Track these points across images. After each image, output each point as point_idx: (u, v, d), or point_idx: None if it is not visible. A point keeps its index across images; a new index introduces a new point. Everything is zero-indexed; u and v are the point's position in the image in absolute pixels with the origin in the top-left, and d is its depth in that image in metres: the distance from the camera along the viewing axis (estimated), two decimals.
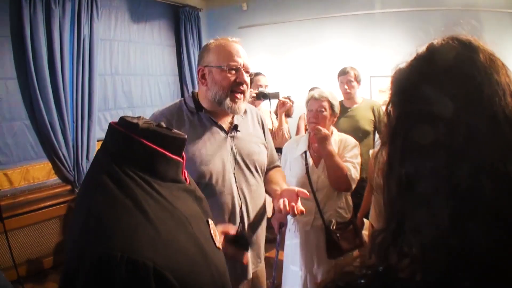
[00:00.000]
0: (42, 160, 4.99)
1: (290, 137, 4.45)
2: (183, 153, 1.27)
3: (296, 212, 2.01)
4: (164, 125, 1.23)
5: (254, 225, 2.32)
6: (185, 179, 1.30)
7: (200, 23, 7.40)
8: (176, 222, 1.11)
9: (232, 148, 2.26)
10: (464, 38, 0.88)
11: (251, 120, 2.49)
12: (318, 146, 3.07)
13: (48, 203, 4.81)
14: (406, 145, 0.77)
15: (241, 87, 2.21)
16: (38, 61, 4.65)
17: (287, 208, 2.02)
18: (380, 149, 0.89)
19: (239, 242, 1.87)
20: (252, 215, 2.30)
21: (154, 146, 1.14)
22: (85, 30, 5.18)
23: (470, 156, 0.68)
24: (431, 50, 0.88)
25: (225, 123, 2.31)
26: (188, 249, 1.10)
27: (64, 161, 5.01)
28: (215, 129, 2.26)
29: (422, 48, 0.91)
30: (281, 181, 2.46)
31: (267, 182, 2.49)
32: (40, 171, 4.99)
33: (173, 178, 1.21)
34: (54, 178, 5.11)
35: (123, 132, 1.13)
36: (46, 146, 4.94)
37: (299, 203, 2.06)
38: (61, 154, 4.97)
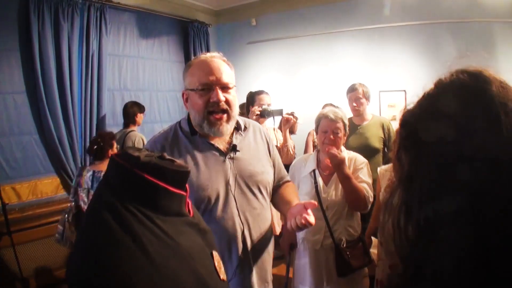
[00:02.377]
0: (50, 174, 4.99)
1: (295, 154, 4.42)
2: (187, 185, 1.23)
3: (310, 223, 1.92)
4: (167, 156, 1.20)
5: (259, 249, 2.21)
6: (189, 211, 1.27)
7: (209, 39, 7.43)
8: (178, 259, 1.07)
9: (231, 170, 2.14)
10: (473, 70, 0.82)
11: (253, 137, 2.35)
12: (335, 171, 3.02)
13: (56, 218, 4.74)
14: (424, 189, 0.74)
15: (217, 107, 2.07)
16: (47, 76, 4.68)
17: (298, 223, 1.93)
18: (393, 193, 0.85)
19: None
20: (256, 240, 2.18)
21: (156, 181, 1.10)
22: (94, 46, 5.21)
23: (495, 196, 0.65)
24: (440, 88, 0.85)
25: (223, 143, 2.19)
26: None
27: (72, 176, 4.99)
28: (212, 152, 2.14)
29: (429, 86, 0.88)
30: (294, 198, 2.32)
31: (278, 200, 2.37)
32: (48, 186, 4.99)
33: (176, 212, 1.18)
34: (62, 193, 5.09)
35: (125, 166, 1.10)
36: (54, 160, 4.95)
37: (310, 214, 1.96)
38: (69, 169, 4.97)
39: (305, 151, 4.91)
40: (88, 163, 5.08)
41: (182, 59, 7.14)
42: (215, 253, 1.27)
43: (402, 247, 0.79)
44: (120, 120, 5.81)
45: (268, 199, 2.33)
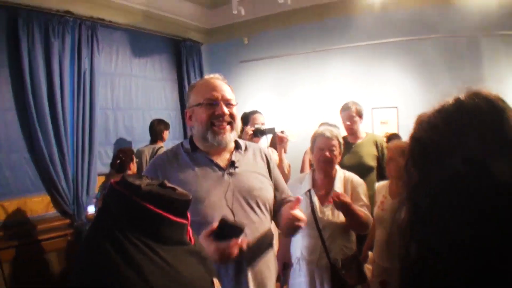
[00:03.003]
0: (40, 193, 4.92)
1: (290, 173, 4.40)
2: (188, 213, 1.22)
3: (298, 218, 2.03)
4: (168, 184, 1.18)
5: (258, 265, 2.20)
6: (190, 239, 1.25)
7: (202, 57, 7.44)
8: None
9: (230, 185, 2.18)
10: (489, 96, 0.82)
11: (253, 156, 2.42)
12: (342, 212, 2.98)
13: (46, 236, 4.74)
14: (432, 207, 0.73)
15: (221, 119, 2.20)
16: (37, 93, 4.64)
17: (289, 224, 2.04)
18: (400, 207, 0.84)
19: (226, 231, 1.77)
20: (255, 255, 2.18)
21: (158, 210, 1.08)
22: (85, 64, 5.18)
23: (506, 224, 0.64)
24: (458, 109, 0.82)
25: (222, 160, 2.27)
26: None
27: (64, 195, 4.94)
28: (211, 167, 2.22)
29: (447, 102, 0.85)
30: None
31: (278, 217, 2.37)
32: (38, 204, 4.92)
33: (177, 241, 1.16)
34: (53, 211, 5.03)
35: (126, 195, 1.08)
36: (45, 179, 4.89)
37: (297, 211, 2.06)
38: (60, 188, 4.91)
39: (302, 170, 4.88)
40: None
41: (174, 77, 7.14)
42: (215, 280, 1.26)
43: (403, 262, 0.79)
44: (112, 138, 5.88)
45: (268, 215, 2.32)
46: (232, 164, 2.25)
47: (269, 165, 2.47)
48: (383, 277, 3.24)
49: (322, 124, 4.99)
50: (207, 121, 2.17)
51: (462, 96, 0.83)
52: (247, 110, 4.81)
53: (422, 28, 5.68)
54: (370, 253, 3.69)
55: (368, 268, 3.71)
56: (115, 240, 1.01)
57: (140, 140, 6.20)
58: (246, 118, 4.53)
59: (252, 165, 2.36)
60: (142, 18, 6.23)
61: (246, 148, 2.40)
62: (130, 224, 1.05)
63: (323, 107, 6.46)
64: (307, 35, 6.72)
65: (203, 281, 1.19)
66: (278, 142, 4.17)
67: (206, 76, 2.35)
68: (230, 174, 2.22)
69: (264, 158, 2.47)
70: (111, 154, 5.75)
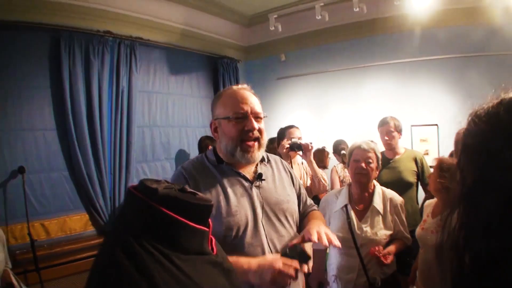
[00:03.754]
0: (79, 211, 4.97)
1: (328, 183, 4.31)
2: (209, 220, 1.15)
3: (331, 242, 1.96)
4: (189, 189, 1.12)
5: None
6: (212, 248, 1.18)
7: (239, 74, 7.46)
8: None
9: (258, 198, 2.15)
10: None
11: (276, 168, 2.39)
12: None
13: (85, 255, 4.74)
14: (492, 218, 0.65)
15: (250, 134, 2.12)
16: (77, 112, 4.72)
17: (323, 240, 1.95)
18: (450, 214, 0.77)
19: (293, 255, 1.82)
20: None
21: (175, 216, 1.02)
22: (124, 82, 5.25)
23: None
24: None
25: (249, 172, 2.23)
26: None
27: (101, 213, 4.99)
28: (239, 179, 2.18)
29: (506, 95, 0.78)
30: (319, 220, 2.31)
31: (304, 225, 2.32)
32: (77, 222, 4.97)
33: (197, 250, 1.09)
34: (91, 230, 5.08)
35: (141, 198, 1.02)
36: (83, 197, 4.94)
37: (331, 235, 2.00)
38: (98, 206, 4.96)
39: (332, 188, 4.78)
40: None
41: (211, 95, 7.14)
42: None
43: (456, 274, 0.71)
44: (149, 155, 5.90)
45: (295, 228, 2.28)
46: (259, 176, 2.20)
47: (292, 176, 2.44)
48: None
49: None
50: (236, 137, 2.11)
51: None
52: (284, 125, 4.77)
53: (465, 46, 5.58)
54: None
55: None
56: (128, 246, 0.96)
57: (176, 157, 6.22)
58: (282, 133, 4.49)
59: (277, 177, 2.33)
60: (180, 36, 6.31)
61: (269, 160, 2.37)
62: (145, 230, 1.00)
63: (360, 124, 6.38)
64: (345, 52, 6.68)
65: None
66: (304, 151, 4.10)
67: (234, 87, 2.26)
68: (258, 186, 2.19)
69: (287, 170, 2.45)
70: (148, 171, 5.79)
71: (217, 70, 7.12)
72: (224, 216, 2.03)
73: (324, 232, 2.00)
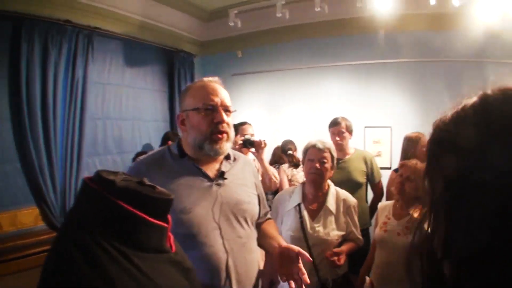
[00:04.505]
0: (30, 205, 4.83)
1: (278, 179, 4.37)
2: (168, 216, 1.11)
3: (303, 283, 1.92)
4: (147, 182, 1.07)
5: (245, 282, 2.11)
6: (171, 246, 1.13)
7: (194, 69, 7.39)
8: None
9: (217, 197, 2.10)
10: None
11: (242, 168, 2.35)
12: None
13: (36, 250, 4.62)
14: (473, 217, 0.65)
15: (220, 127, 2.11)
16: (32, 103, 4.58)
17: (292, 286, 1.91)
18: (421, 222, 0.79)
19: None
20: (242, 270, 2.08)
21: (134, 210, 0.96)
22: (79, 73, 5.13)
23: None
24: (489, 103, 0.73)
25: (211, 170, 2.18)
26: None
27: (52, 207, 4.85)
28: (199, 176, 2.13)
29: (470, 100, 0.76)
30: (277, 235, 2.32)
31: (260, 236, 2.33)
32: (28, 217, 4.83)
33: (156, 247, 1.04)
34: (41, 224, 4.93)
35: (97, 191, 0.96)
36: (34, 190, 4.78)
37: (303, 271, 1.95)
38: (48, 200, 4.82)
39: (280, 188, 4.81)
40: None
41: (166, 89, 7.09)
42: None
43: (433, 282, 0.72)
44: (100, 149, 5.77)
45: (254, 231, 2.27)
46: (221, 174, 2.18)
47: (255, 178, 2.43)
48: None
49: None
50: (206, 129, 2.08)
51: (491, 90, 0.75)
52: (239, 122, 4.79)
53: (423, 51, 5.73)
54: (367, 278, 3.59)
55: None
56: (83, 244, 0.90)
57: (128, 151, 6.14)
58: (236, 129, 4.51)
59: (240, 177, 2.30)
60: (138, 28, 6.21)
61: (235, 159, 2.34)
62: (102, 225, 0.94)
63: (315, 123, 6.43)
64: (302, 51, 6.74)
65: None
66: (256, 149, 4.13)
67: (205, 79, 2.24)
68: (219, 185, 2.15)
69: (251, 170, 2.44)
70: (98, 165, 5.68)
71: (173, 64, 7.03)
72: (177, 212, 1.96)
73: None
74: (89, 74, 5.29)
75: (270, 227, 2.41)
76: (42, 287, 0.91)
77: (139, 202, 0.98)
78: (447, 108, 0.81)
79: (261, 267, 3.97)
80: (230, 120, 2.20)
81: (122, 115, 6.20)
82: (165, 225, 1.08)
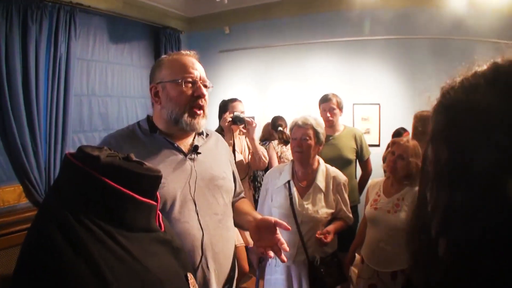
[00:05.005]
0: (12, 182, 4.78)
1: (267, 159, 4.33)
2: (157, 193, 1.05)
3: (282, 251, 1.85)
4: (134, 158, 1.01)
5: (221, 260, 2.06)
6: (160, 225, 1.08)
7: (181, 46, 7.31)
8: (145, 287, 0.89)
9: (192, 172, 2.02)
10: None
11: (215, 144, 2.29)
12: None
13: (19, 227, 4.55)
14: (473, 196, 0.61)
15: (199, 102, 2.02)
16: (12, 79, 4.49)
17: (271, 255, 1.86)
18: (421, 197, 0.74)
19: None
20: (218, 248, 2.02)
21: (120, 187, 0.92)
22: (62, 49, 5.04)
23: None
24: (500, 69, 0.68)
25: (184, 145, 2.10)
26: None
27: (36, 185, 4.80)
28: (172, 151, 2.04)
29: (481, 68, 0.71)
30: (252, 211, 2.25)
31: (235, 214, 2.26)
32: (11, 194, 4.78)
33: (144, 226, 0.99)
34: (25, 202, 4.88)
35: (80, 167, 0.91)
36: (17, 168, 4.72)
37: (282, 240, 1.88)
38: (32, 177, 4.76)
39: (270, 165, 4.78)
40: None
41: (152, 65, 6.95)
42: (190, 275, 1.10)
43: (430, 269, 0.68)
44: (86, 125, 5.73)
45: (230, 207, 2.22)
46: (195, 148, 2.09)
47: (229, 155, 2.39)
48: (373, 281, 3.12)
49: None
50: (185, 102, 1.99)
51: (501, 58, 0.69)
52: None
53: (409, 28, 5.70)
54: (357, 255, 3.57)
55: (353, 271, 3.64)
56: (64, 223, 0.84)
57: (114, 128, 6.05)
58: (225, 106, 4.45)
59: (214, 153, 2.24)
60: (122, 4, 6.10)
61: (207, 135, 2.26)
62: (85, 204, 0.89)
63: (303, 100, 6.44)
64: (290, 27, 6.67)
65: (175, 277, 1.03)
66: (247, 127, 4.09)
67: (182, 51, 2.13)
68: (192, 159, 2.07)
69: (226, 147, 2.39)
70: (84, 142, 5.63)
71: (159, 40, 6.95)
72: None
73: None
74: (72, 50, 5.19)
75: (244, 205, 2.36)
76: (20, 269, 0.85)
77: (125, 179, 0.93)
78: (435, 84, 0.77)
79: (251, 243, 3.97)
80: (207, 95, 2.10)
81: (108, 92, 6.14)
82: (154, 203, 1.03)
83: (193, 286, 1.10)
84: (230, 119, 4.02)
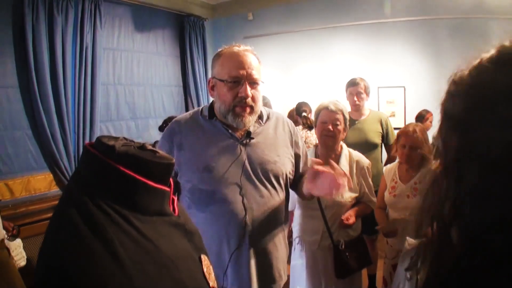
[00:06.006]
0: (43, 170, 4.91)
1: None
2: (171, 179, 1.10)
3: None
4: (149, 147, 1.06)
5: (263, 241, 2.14)
6: (174, 209, 1.12)
7: (205, 33, 7.35)
8: (158, 267, 0.94)
9: (242, 156, 2.11)
10: None
11: (274, 127, 2.31)
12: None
13: (50, 215, 4.64)
14: (482, 183, 0.60)
15: (244, 102, 2.07)
16: (40, 70, 4.59)
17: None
18: (433, 184, 0.74)
19: None
20: (260, 229, 2.11)
21: (133, 174, 0.97)
22: (88, 39, 5.13)
23: None
24: (506, 56, 0.67)
25: (239, 130, 2.18)
26: None
27: (65, 172, 4.92)
28: (226, 136, 2.15)
29: (487, 54, 0.70)
30: None
31: (299, 188, 2.34)
32: (42, 182, 4.91)
33: (157, 210, 1.04)
34: (55, 190, 5.01)
35: (98, 156, 0.97)
36: (47, 156, 4.86)
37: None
38: (62, 165, 4.88)
39: None
40: None
41: (177, 53, 7.07)
42: (204, 257, 1.15)
43: (443, 255, 0.67)
44: (113, 114, 5.82)
45: (282, 190, 2.25)
46: (248, 134, 2.16)
47: (292, 138, 2.38)
48: (397, 261, 3.13)
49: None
50: (229, 102, 2.07)
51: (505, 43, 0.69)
52: None
53: (433, 8, 5.61)
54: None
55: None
56: (83, 207, 0.91)
57: (142, 116, 6.17)
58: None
59: (271, 137, 2.27)
60: None
61: (268, 118, 2.31)
62: (102, 190, 0.95)
63: (327, 84, 6.41)
64: (313, 12, 6.62)
65: (187, 258, 1.07)
66: None
67: (236, 48, 2.15)
68: (244, 145, 2.15)
69: (287, 129, 2.38)
70: (112, 130, 5.74)
71: (184, 28, 7.01)
72: (201, 171, 2.06)
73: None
74: (98, 40, 5.29)
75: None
76: (43, 248, 0.92)
77: (139, 167, 0.98)
78: (460, 64, 0.75)
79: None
80: (257, 92, 2.14)
81: (134, 81, 6.22)
82: (167, 189, 1.07)
83: (207, 267, 1.13)
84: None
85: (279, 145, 2.28)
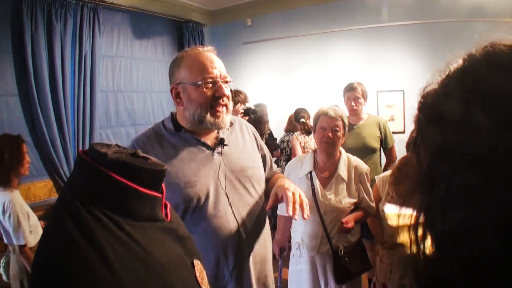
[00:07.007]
0: (43, 178, 4.92)
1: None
2: (163, 186, 1.11)
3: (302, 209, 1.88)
4: (141, 154, 1.07)
5: (257, 249, 2.10)
6: (166, 215, 1.13)
7: (204, 39, 7.37)
8: (149, 272, 0.94)
9: (221, 166, 2.03)
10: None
11: (240, 132, 2.26)
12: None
13: None
14: (450, 194, 0.60)
15: (221, 101, 1.99)
16: (40, 77, 4.62)
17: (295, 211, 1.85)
18: (407, 198, 0.74)
19: None
20: (253, 239, 2.06)
21: (125, 181, 0.98)
22: (87, 46, 5.15)
23: None
24: (474, 61, 0.69)
25: (210, 139, 2.09)
26: None
27: (66, 179, 4.91)
28: (199, 147, 2.04)
29: (456, 63, 0.71)
30: (280, 180, 2.20)
31: (267, 189, 2.25)
32: (42, 189, 4.92)
33: (149, 216, 1.04)
34: (55, 197, 4.97)
35: (90, 163, 0.98)
36: (47, 163, 4.88)
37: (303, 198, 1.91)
38: (62, 172, 4.90)
39: (293, 155, 4.78)
40: None
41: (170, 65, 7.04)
42: (196, 262, 1.14)
43: (419, 264, 0.68)
44: (113, 121, 5.82)
45: (262, 196, 2.20)
46: (221, 142, 2.09)
47: (256, 140, 2.34)
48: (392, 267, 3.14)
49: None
50: (207, 103, 1.96)
51: (475, 49, 0.70)
52: (251, 91, 4.76)
53: (431, 12, 5.62)
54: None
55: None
56: (75, 212, 0.92)
57: (141, 123, 6.18)
58: (234, 98, 4.50)
59: (241, 142, 2.22)
60: (144, 0, 6.17)
61: (231, 124, 2.23)
62: (95, 196, 0.95)
63: (326, 89, 6.42)
64: (312, 17, 6.65)
65: (179, 263, 1.07)
66: None
67: (199, 48, 2.07)
68: (220, 153, 2.07)
69: (251, 134, 2.34)
70: (112, 137, 5.75)
71: (182, 34, 7.03)
72: (182, 187, 1.93)
73: (299, 194, 1.92)
74: (97, 47, 5.31)
75: (275, 178, 2.33)
76: (37, 253, 0.94)
77: (130, 173, 0.99)
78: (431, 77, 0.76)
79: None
80: (229, 91, 2.07)
81: (133, 87, 6.24)
82: (158, 195, 1.08)
83: (200, 272, 1.13)
84: (242, 111, 4.03)
85: (250, 149, 2.25)
